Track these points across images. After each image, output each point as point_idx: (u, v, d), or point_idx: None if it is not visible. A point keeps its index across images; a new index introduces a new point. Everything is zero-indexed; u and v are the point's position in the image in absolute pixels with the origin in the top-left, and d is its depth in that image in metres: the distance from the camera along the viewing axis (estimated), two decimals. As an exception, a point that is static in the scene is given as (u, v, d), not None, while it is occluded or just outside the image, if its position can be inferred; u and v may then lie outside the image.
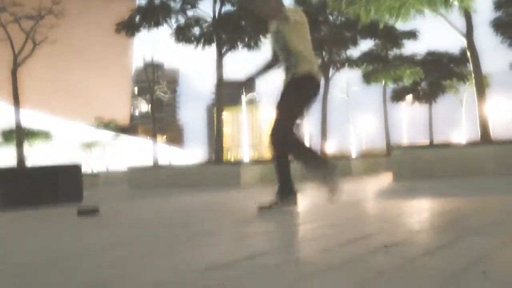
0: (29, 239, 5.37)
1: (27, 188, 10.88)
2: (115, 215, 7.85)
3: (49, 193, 11.02)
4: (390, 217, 5.33)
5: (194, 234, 4.80)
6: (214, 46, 27.64)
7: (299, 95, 6.73)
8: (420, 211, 5.97)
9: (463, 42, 20.18)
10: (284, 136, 6.58)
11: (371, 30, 30.93)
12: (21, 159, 37.60)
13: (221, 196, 11.38)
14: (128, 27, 28.67)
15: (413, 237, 3.91)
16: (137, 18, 28.31)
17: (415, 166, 13.73)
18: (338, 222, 5.25)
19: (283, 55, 6.94)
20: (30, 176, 11.35)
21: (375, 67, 37.28)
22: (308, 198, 8.46)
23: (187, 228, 5.31)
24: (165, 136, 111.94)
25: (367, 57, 37.49)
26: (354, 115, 77.96)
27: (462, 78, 44.04)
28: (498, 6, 31.69)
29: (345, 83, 66.46)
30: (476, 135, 20.80)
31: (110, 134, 74.18)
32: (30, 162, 46.78)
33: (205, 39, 27.79)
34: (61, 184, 11.27)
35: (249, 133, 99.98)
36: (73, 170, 11.84)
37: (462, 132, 63.87)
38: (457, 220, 4.92)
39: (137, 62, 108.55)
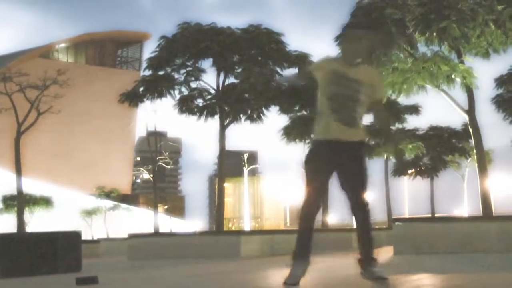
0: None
1: (24, 255, 10.77)
2: (115, 286, 7.77)
3: (47, 260, 10.90)
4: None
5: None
6: (217, 117, 27.80)
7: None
8: None
9: (465, 117, 20.33)
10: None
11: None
12: (21, 225, 37.49)
13: (221, 267, 11.26)
14: (132, 98, 28.87)
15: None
16: (141, 89, 28.51)
17: (416, 240, 13.62)
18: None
19: (346, 105, 6.17)
20: (28, 243, 11.23)
21: (377, 141, 37.42)
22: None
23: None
24: (166, 206, 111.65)
25: (369, 131, 37.63)
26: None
27: (464, 153, 44.17)
28: (499, 83, 31.94)
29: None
30: (478, 210, 20.78)
31: (111, 203, 74.05)
32: (30, 229, 46.60)
33: (208, 110, 27.96)
34: (60, 252, 11.15)
35: (251, 204, 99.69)
36: (73, 238, 11.74)
37: (463, 207, 63.71)
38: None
39: (140, 131, 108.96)
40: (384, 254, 15.35)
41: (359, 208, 6.24)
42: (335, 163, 6.12)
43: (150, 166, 60.77)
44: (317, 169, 6.15)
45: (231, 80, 28.46)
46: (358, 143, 6.19)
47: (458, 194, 68.64)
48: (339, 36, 5.39)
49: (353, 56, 6.29)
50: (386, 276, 6.06)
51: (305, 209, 6.14)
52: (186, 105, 28.25)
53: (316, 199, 6.17)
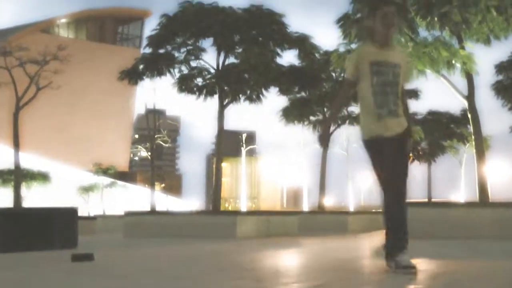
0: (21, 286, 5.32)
1: (20, 230, 10.74)
2: (110, 264, 7.78)
3: (43, 236, 10.89)
4: (383, 279, 5.28)
5: None
6: (216, 97, 27.74)
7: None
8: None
9: (464, 103, 20.29)
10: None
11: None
12: (17, 200, 37.52)
13: (216, 247, 11.28)
14: (132, 75, 28.78)
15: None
16: (141, 67, 28.44)
17: (412, 225, 13.62)
18: (327, 281, 5.20)
19: (391, 94, 5.90)
20: (24, 218, 11.19)
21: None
22: (303, 254, 8.40)
23: (180, 282, 5.26)
24: (163, 185, 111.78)
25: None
26: (353, 171, 77.89)
27: (462, 139, 44.18)
28: (499, 69, 31.95)
29: (345, 139, 66.77)
30: (475, 196, 20.78)
31: (108, 180, 74.14)
32: (27, 204, 46.64)
33: (207, 90, 27.88)
34: (56, 228, 11.13)
35: (248, 184, 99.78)
36: (69, 214, 11.73)
37: (460, 193, 63.85)
38: (452, 284, 4.87)
39: (139, 108, 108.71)
40: (380, 237, 15.38)
41: (385, 189, 5.94)
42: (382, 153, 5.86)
43: (148, 144, 60.79)
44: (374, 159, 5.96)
45: (231, 60, 28.38)
46: (402, 133, 5.88)
47: (455, 179, 68.80)
48: (368, 14, 4.99)
49: (389, 36, 5.97)
50: (412, 264, 5.65)
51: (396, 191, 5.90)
52: (185, 84, 28.16)
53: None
